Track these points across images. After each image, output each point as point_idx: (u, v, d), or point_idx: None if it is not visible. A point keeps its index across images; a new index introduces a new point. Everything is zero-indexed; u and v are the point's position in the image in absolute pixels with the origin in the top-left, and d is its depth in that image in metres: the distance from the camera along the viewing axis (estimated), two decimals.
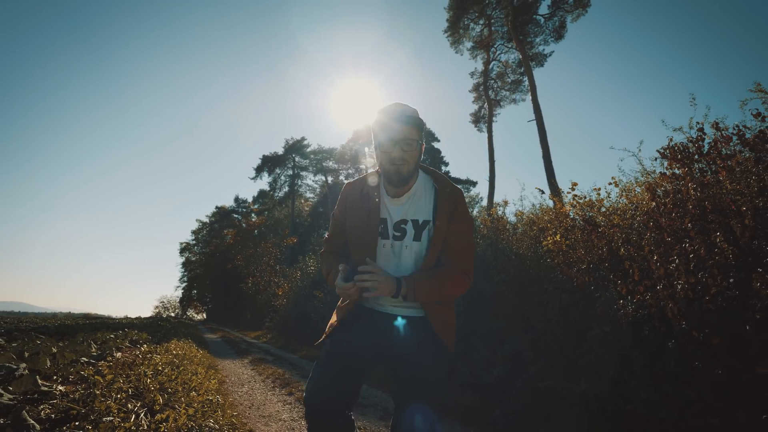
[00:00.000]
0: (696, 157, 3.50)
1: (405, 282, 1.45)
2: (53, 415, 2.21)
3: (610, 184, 4.96)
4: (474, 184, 34.68)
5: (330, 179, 38.29)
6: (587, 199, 4.97)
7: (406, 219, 1.59)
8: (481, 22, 22.75)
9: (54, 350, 4.34)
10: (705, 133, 3.56)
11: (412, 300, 1.46)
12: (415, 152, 1.52)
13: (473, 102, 24.66)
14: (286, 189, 40.91)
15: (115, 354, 4.84)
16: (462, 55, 23.78)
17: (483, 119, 24.42)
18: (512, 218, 7.86)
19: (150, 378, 3.60)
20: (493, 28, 22.69)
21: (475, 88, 24.37)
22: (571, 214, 5.22)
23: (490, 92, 23.86)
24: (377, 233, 1.58)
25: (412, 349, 1.49)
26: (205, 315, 50.43)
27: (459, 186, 1.76)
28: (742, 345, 2.54)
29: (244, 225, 40.92)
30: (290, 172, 41.06)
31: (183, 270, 50.19)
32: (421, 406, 1.38)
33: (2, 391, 2.26)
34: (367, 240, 1.58)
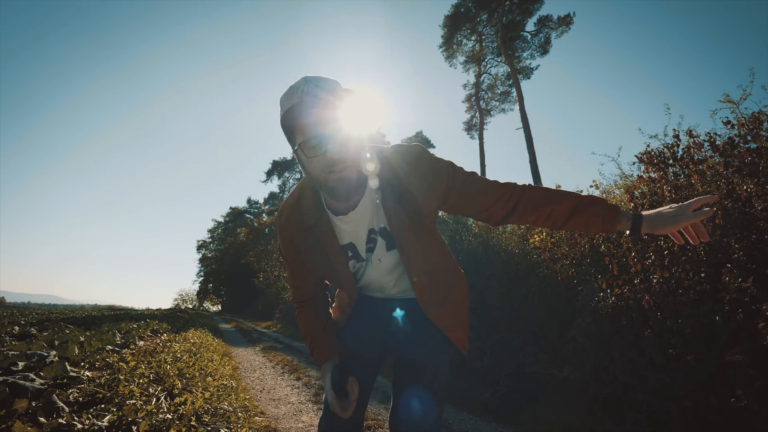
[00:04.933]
0: (670, 161, 3.50)
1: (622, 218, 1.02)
2: (81, 399, 2.21)
3: (591, 186, 4.96)
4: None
5: None
6: None
7: (374, 228, 1.11)
8: (473, 38, 22.76)
9: (81, 339, 4.33)
10: (680, 140, 3.56)
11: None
12: (349, 141, 0.95)
13: (466, 111, 24.70)
14: None
15: (137, 342, 4.84)
16: (456, 68, 23.85)
17: (475, 127, 24.42)
18: None
19: (169, 364, 3.60)
20: (483, 44, 22.71)
21: (468, 98, 24.38)
22: None
23: (481, 102, 23.87)
24: (348, 269, 1.14)
25: (413, 338, 1.17)
26: (220, 307, 50.41)
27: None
28: (712, 334, 2.54)
29: (255, 224, 40.96)
30: (298, 175, 41.13)
31: (200, 265, 50.20)
32: (418, 391, 1.15)
33: (35, 377, 2.26)
34: (341, 280, 1.16)
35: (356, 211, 1.07)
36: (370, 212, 1.08)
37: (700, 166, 3.32)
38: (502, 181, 1.11)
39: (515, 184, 1.10)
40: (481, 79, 23.69)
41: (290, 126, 0.95)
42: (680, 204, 1.00)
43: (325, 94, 0.92)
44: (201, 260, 50.16)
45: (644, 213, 1.02)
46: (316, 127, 0.92)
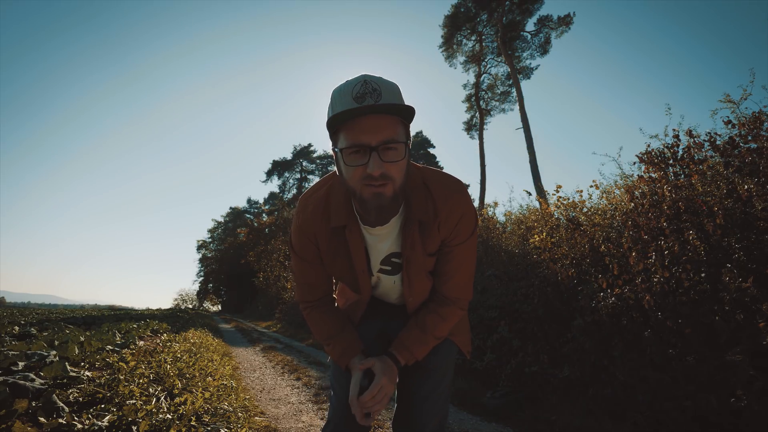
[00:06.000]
0: (671, 161, 3.50)
1: (399, 354, 1.08)
2: (81, 399, 2.21)
3: (591, 186, 4.96)
4: (466, 186, 34.72)
5: None
6: (570, 200, 4.97)
7: (399, 252, 1.08)
8: (473, 38, 22.77)
9: (81, 339, 4.33)
10: (680, 140, 3.56)
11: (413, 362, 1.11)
12: (403, 161, 0.89)
13: (466, 111, 24.71)
14: (294, 191, 41.14)
15: (137, 342, 4.84)
16: (456, 68, 23.88)
17: (475, 127, 24.43)
18: (502, 218, 7.87)
19: (169, 364, 3.60)
20: (483, 44, 22.72)
21: (468, 98, 24.38)
22: (555, 214, 5.22)
23: (481, 102, 23.87)
24: (368, 276, 1.12)
25: None
26: (220, 306, 50.37)
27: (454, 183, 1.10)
28: (712, 334, 2.54)
29: (255, 224, 40.89)
30: (298, 175, 41.25)
31: (200, 265, 50.17)
32: (424, 394, 1.14)
33: (35, 377, 2.26)
34: (358, 284, 1.13)
35: (384, 227, 1.03)
36: (397, 233, 1.06)
37: (701, 166, 3.32)
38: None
39: (461, 309, 1.15)
40: (481, 79, 23.70)
41: (336, 126, 0.89)
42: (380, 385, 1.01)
43: (382, 103, 0.84)
44: (201, 260, 50.15)
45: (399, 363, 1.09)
46: (365, 137, 0.85)
